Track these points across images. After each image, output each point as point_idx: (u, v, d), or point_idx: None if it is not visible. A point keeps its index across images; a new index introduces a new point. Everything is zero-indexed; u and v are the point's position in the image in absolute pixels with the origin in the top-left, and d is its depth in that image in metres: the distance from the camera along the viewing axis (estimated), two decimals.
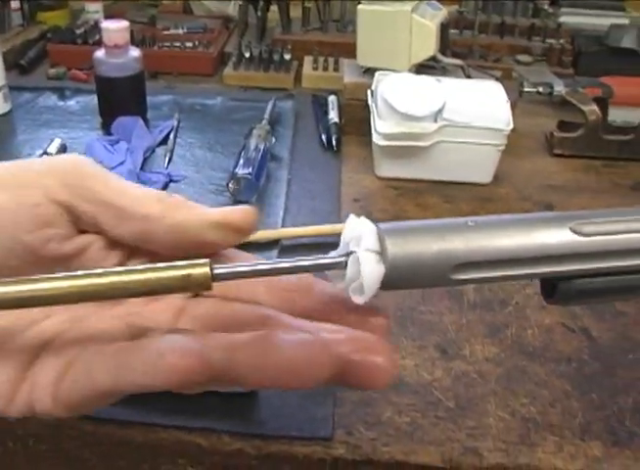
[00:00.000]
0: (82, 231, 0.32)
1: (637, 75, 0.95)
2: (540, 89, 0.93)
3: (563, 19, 1.17)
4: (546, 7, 1.19)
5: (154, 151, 0.78)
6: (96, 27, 1.05)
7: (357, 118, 0.81)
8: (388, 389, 0.46)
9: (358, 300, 0.27)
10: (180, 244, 0.30)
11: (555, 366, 0.50)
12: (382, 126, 0.71)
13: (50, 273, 0.27)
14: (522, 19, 1.16)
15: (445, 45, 0.87)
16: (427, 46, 0.80)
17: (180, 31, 1.12)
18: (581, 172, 0.80)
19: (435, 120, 0.71)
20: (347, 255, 0.27)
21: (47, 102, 0.91)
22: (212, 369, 0.25)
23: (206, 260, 0.27)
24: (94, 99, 0.86)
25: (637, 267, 0.27)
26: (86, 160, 0.32)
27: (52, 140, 0.76)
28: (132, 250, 0.32)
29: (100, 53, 0.81)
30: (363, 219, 0.28)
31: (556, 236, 0.26)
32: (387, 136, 0.71)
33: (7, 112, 0.87)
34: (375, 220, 0.28)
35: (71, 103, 0.91)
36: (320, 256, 0.28)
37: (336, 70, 1.01)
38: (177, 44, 1.06)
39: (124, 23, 0.80)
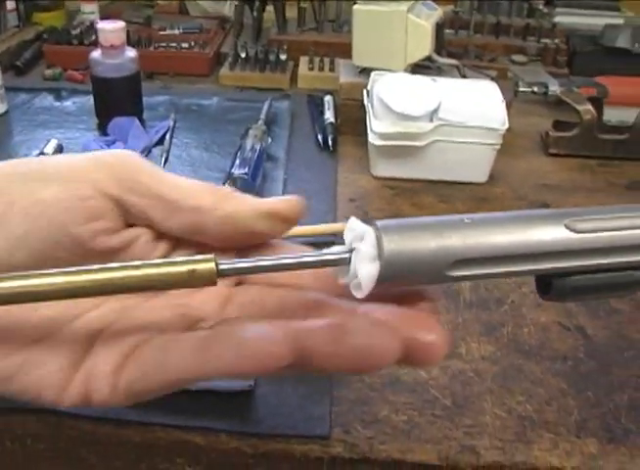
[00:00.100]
0: (130, 224, 0.32)
1: (632, 75, 0.95)
2: (535, 89, 0.94)
3: (558, 19, 1.18)
4: (541, 7, 1.19)
5: (150, 151, 0.78)
6: (92, 28, 1.05)
7: (353, 118, 0.82)
8: (385, 387, 0.46)
9: (358, 295, 0.27)
10: (230, 235, 0.31)
11: (551, 364, 0.50)
12: (377, 126, 0.71)
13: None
14: (517, 19, 1.16)
15: (441, 45, 0.88)
16: (422, 46, 0.80)
17: (176, 32, 1.12)
18: (576, 172, 0.80)
19: (431, 120, 0.71)
20: (350, 251, 0.27)
21: (43, 103, 0.91)
22: (297, 356, 0.26)
23: (212, 256, 0.27)
24: (90, 99, 0.86)
25: (632, 264, 0.28)
26: (135, 154, 0.32)
27: (48, 141, 0.76)
28: (177, 241, 0.33)
29: (96, 53, 0.81)
30: (363, 220, 0.28)
31: (551, 233, 0.27)
32: (382, 136, 0.71)
33: (3, 113, 0.87)
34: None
35: (68, 103, 0.91)
36: (324, 251, 0.28)
37: (331, 70, 1.01)
38: (173, 44, 1.07)
39: (120, 24, 0.80)
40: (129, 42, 0.96)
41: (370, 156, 0.75)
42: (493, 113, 0.71)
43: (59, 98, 0.92)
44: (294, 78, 1.03)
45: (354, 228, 0.27)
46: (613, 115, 0.87)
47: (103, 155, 0.32)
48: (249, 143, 0.72)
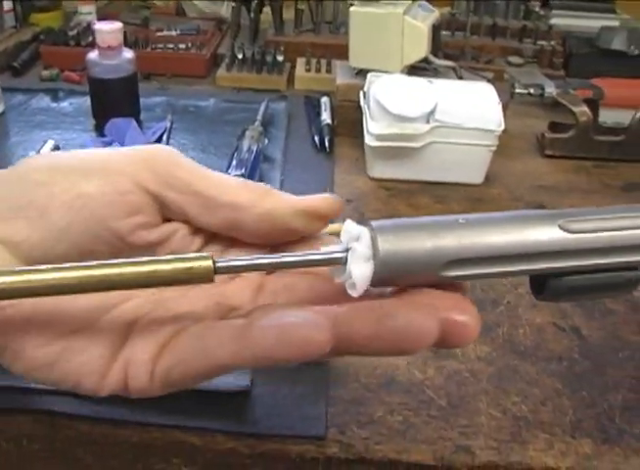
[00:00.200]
0: (167, 219, 0.33)
1: (627, 77, 0.96)
2: (531, 90, 0.94)
3: (554, 21, 1.18)
4: (537, 9, 1.20)
5: None
6: (89, 29, 1.05)
7: (350, 120, 0.82)
8: (381, 388, 0.47)
9: (353, 294, 0.27)
10: (267, 231, 0.31)
11: (546, 365, 0.50)
12: (374, 127, 0.71)
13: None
14: (513, 21, 1.17)
15: (437, 47, 0.88)
16: (419, 48, 0.80)
17: (173, 33, 1.12)
18: (572, 173, 0.81)
19: (427, 121, 0.71)
20: (346, 251, 0.27)
21: (40, 103, 0.91)
22: (338, 340, 0.26)
23: (209, 254, 0.27)
24: (87, 100, 0.86)
25: (626, 264, 0.28)
26: (174, 150, 0.32)
27: (45, 142, 0.76)
28: (212, 236, 0.33)
29: (93, 54, 0.81)
30: (359, 222, 0.28)
31: (545, 233, 0.27)
32: (379, 137, 0.71)
33: (0, 113, 0.87)
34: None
35: (65, 104, 0.91)
36: (321, 251, 0.28)
37: (328, 71, 1.02)
38: (170, 46, 1.07)
39: (117, 25, 0.81)
40: (126, 43, 0.96)
41: (366, 157, 0.76)
42: (489, 114, 0.72)
43: (56, 99, 0.92)
44: (290, 80, 1.03)
45: (350, 230, 0.28)
46: (608, 116, 0.87)
47: (142, 149, 0.32)
48: (245, 144, 0.73)
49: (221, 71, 1.02)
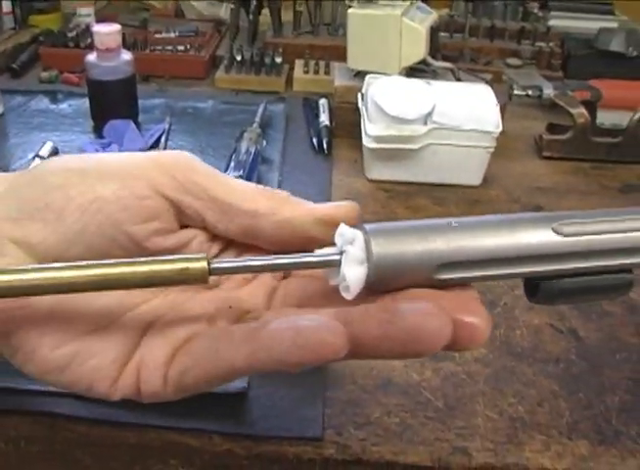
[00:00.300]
0: (185, 225, 0.33)
1: (626, 78, 0.96)
2: (530, 92, 0.94)
3: (552, 22, 1.18)
4: (536, 10, 1.20)
5: None
6: (88, 31, 1.05)
7: (348, 121, 0.82)
8: (377, 389, 0.47)
9: (347, 296, 0.27)
10: (285, 239, 0.31)
11: (543, 366, 0.50)
12: (372, 129, 0.71)
13: None
14: (511, 22, 1.16)
15: (436, 48, 0.88)
16: (417, 49, 0.80)
17: (172, 35, 1.12)
18: (570, 175, 0.81)
19: (425, 123, 0.72)
20: (340, 254, 0.28)
21: (39, 105, 0.91)
22: (351, 343, 0.25)
23: (203, 255, 0.27)
24: (86, 102, 0.86)
25: (619, 267, 0.28)
26: (192, 156, 0.32)
27: (44, 143, 0.76)
28: (230, 242, 0.33)
29: (91, 56, 0.81)
30: (352, 225, 0.28)
31: (538, 236, 0.27)
32: (377, 139, 0.71)
33: None
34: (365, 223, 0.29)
35: (64, 106, 0.91)
36: (315, 253, 0.28)
37: (327, 73, 1.02)
38: (169, 47, 1.07)
39: (116, 27, 0.81)
40: (125, 45, 0.97)
41: (364, 159, 0.76)
42: (487, 116, 0.72)
43: (55, 100, 0.92)
44: (289, 81, 1.03)
45: (344, 233, 0.28)
46: (606, 118, 0.87)
47: (160, 154, 0.32)
48: (243, 146, 0.73)
49: (220, 73, 1.02)
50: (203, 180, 0.31)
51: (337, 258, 0.27)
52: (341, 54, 0.87)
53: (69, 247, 0.30)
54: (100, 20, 1.13)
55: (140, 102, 0.87)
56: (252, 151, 0.72)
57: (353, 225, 0.28)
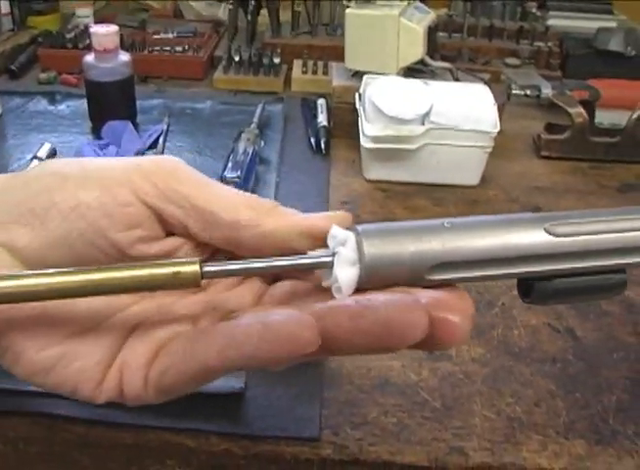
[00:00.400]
0: (171, 233, 0.32)
1: (624, 78, 0.96)
2: (528, 92, 0.94)
3: (551, 22, 1.18)
4: (534, 10, 1.20)
5: (143, 154, 0.78)
6: (86, 32, 1.05)
7: (346, 122, 0.82)
8: (375, 389, 0.47)
9: (339, 297, 0.27)
10: (267, 250, 0.31)
11: (540, 366, 0.50)
12: (369, 129, 0.71)
13: None
14: (510, 22, 1.16)
15: (434, 48, 0.88)
16: (414, 49, 0.80)
17: (170, 35, 1.12)
18: (568, 174, 0.81)
19: (423, 123, 0.72)
20: (332, 255, 0.28)
21: (37, 106, 0.91)
22: (324, 338, 0.25)
23: (196, 259, 0.27)
24: (84, 103, 0.86)
25: (612, 267, 0.28)
26: (178, 161, 0.32)
27: (42, 144, 0.76)
28: (217, 250, 0.33)
29: (89, 57, 0.81)
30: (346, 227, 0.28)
31: (530, 237, 0.27)
32: (374, 139, 0.71)
33: None
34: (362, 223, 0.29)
35: (62, 107, 0.91)
36: (308, 255, 0.28)
37: (325, 73, 1.02)
38: (167, 48, 1.07)
39: (113, 28, 0.81)
40: (123, 46, 0.97)
41: (362, 159, 0.76)
42: (485, 116, 0.72)
43: (53, 102, 0.92)
44: (287, 82, 1.03)
45: (336, 235, 0.28)
46: (605, 117, 0.88)
47: (144, 160, 0.32)
48: (241, 146, 0.73)
49: (218, 74, 1.02)
50: (184, 188, 0.31)
51: (329, 259, 0.27)
52: (339, 54, 0.87)
53: (53, 252, 0.30)
54: (98, 20, 1.14)
55: (138, 103, 0.87)
56: (250, 151, 0.72)
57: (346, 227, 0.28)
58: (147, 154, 0.78)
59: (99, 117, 0.83)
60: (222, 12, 1.23)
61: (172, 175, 0.31)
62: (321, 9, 1.10)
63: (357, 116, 0.76)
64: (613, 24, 1.17)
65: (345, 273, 0.26)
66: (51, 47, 1.06)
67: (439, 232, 0.27)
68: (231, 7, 1.11)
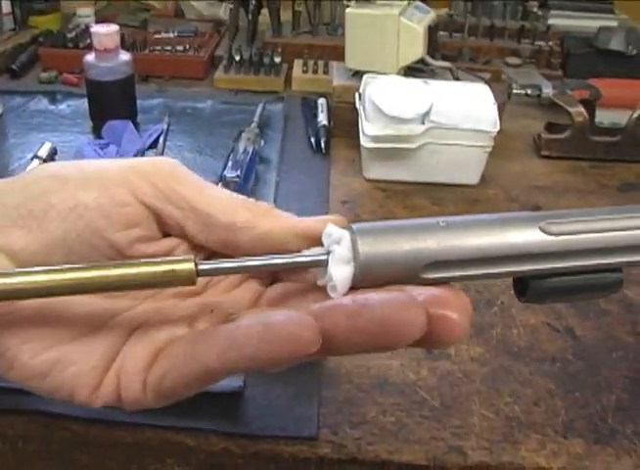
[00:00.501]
0: (168, 234, 0.32)
1: (625, 77, 0.96)
2: (529, 91, 0.94)
3: (552, 21, 1.18)
4: (535, 9, 1.19)
5: (143, 154, 0.78)
6: (87, 31, 1.05)
7: (346, 121, 0.82)
8: (373, 388, 0.47)
9: (334, 296, 0.27)
10: (263, 252, 0.31)
11: (539, 365, 0.50)
12: (369, 129, 0.71)
13: None
14: (511, 21, 1.16)
15: (434, 48, 0.88)
16: (414, 49, 0.80)
17: (171, 35, 1.12)
18: (568, 174, 0.81)
19: (423, 123, 0.72)
20: (327, 253, 0.28)
21: (38, 106, 0.91)
22: (322, 337, 0.25)
23: (191, 256, 0.27)
24: (85, 103, 0.86)
25: (608, 266, 0.28)
26: (177, 163, 0.32)
27: (42, 144, 0.76)
28: (213, 252, 0.33)
29: (90, 57, 0.82)
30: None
31: (526, 236, 0.27)
32: (374, 138, 0.71)
33: None
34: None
35: (63, 107, 0.91)
36: (302, 253, 0.28)
37: (326, 72, 1.02)
38: (168, 48, 1.07)
39: (114, 27, 0.81)
40: (124, 45, 0.97)
41: (362, 158, 0.76)
42: (485, 115, 0.72)
43: (54, 101, 0.92)
44: (288, 81, 1.03)
45: (331, 233, 0.28)
46: (606, 117, 0.87)
47: (142, 161, 0.32)
48: (241, 146, 0.73)
49: (219, 73, 1.02)
50: (183, 189, 0.31)
51: (324, 257, 0.27)
52: (339, 54, 0.87)
53: (52, 253, 0.30)
54: (100, 20, 1.14)
55: (139, 102, 0.87)
56: (250, 151, 0.72)
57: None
58: (147, 153, 0.79)
59: (99, 116, 0.83)
60: (223, 11, 1.23)
61: (171, 176, 0.31)
62: (322, 8, 1.10)
63: (357, 115, 0.76)
64: (614, 24, 1.17)
65: (340, 271, 0.27)
66: (52, 47, 1.06)
67: (434, 231, 0.27)
68: (232, 6, 1.11)
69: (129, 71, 0.83)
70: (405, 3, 0.81)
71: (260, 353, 0.25)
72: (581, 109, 0.80)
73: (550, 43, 1.11)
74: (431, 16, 0.84)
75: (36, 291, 0.26)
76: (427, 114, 0.71)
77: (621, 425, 0.45)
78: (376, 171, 0.75)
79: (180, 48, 1.07)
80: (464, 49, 1.09)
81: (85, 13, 1.17)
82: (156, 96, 0.95)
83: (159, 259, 0.27)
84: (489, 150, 0.73)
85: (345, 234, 0.27)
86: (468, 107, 0.72)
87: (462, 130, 0.71)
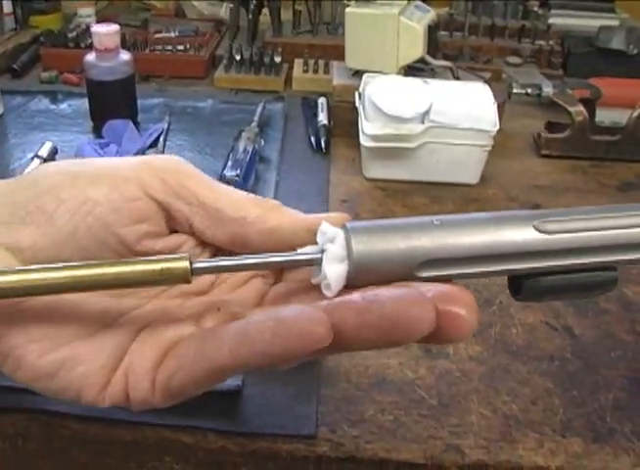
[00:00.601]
0: (174, 230, 0.33)
1: (626, 76, 0.96)
2: (529, 90, 0.94)
3: (552, 20, 1.18)
4: (536, 9, 1.19)
5: (144, 154, 0.78)
6: (88, 31, 1.05)
7: (346, 120, 0.82)
8: (372, 387, 0.47)
9: (328, 294, 0.27)
10: (272, 248, 0.31)
11: (538, 364, 0.50)
12: (369, 128, 0.71)
13: None
14: (512, 20, 1.16)
15: (435, 47, 0.88)
16: (414, 48, 0.80)
17: (172, 35, 1.12)
18: (568, 173, 0.81)
19: (422, 122, 0.72)
20: (321, 252, 0.28)
21: (39, 105, 0.91)
22: (333, 334, 0.25)
23: (186, 255, 0.27)
24: (86, 102, 0.86)
25: (603, 264, 0.28)
26: (184, 161, 0.33)
27: (43, 143, 0.76)
28: (218, 250, 0.33)
29: (90, 56, 0.82)
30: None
31: (520, 234, 0.27)
32: (374, 138, 0.72)
33: None
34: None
35: (63, 106, 0.92)
36: (297, 252, 0.29)
37: (326, 72, 1.02)
38: (169, 47, 1.07)
39: (114, 27, 0.81)
40: (125, 45, 0.97)
41: (362, 157, 0.76)
42: (484, 114, 0.72)
43: (54, 101, 0.93)
44: (288, 81, 1.03)
45: (325, 232, 0.28)
46: (606, 116, 0.87)
47: (152, 158, 0.33)
48: (241, 145, 0.73)
49: (219, 73, 1.03)
50: (193, 185, 0.31)
51: (318, 256, 0.28)
52: (340, 53, 0.87)
53: (60, 249, 0.30)
54: (101, 20, 1.14)
55: (139, 101, 0.87)
56: (250, 150, 0.72)
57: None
58: (147, 153, 0.79)
59: (100, 116, 0.83)
60: (224, 11, 1.23)
61: (180, 172, 0.32)
62: (322, 8, 1.10)
63: (357, 114, 0.76)
64: (615, 23, 1.17)
65: (334, 270, 0.27)
66: (53, 46, 1.06)
67: (429, 229, 0.27)
68: (232, 6, 1.11)
69: (130, 71, 0.83)
70: (405, 2, 0.81)
71: (273, 349, 0.25)
72: (581, 108, 0.80)
73: (551, 42, 1.11)
74: (430, 15, 0.84)
75: (34, 289, 0.26)
76: (426, 113, 0.71)
77: (619, 424, 0.45)
78: (376, 171, 0.75)
79: (181, 48, 1.07)
80: (464, 48, 1.09)
81: (86, 13, 1.17)
82: (156, 95, 0.95)
83: (153, 258, 0.27)
84: (489, 149, 0.73)
85: (339, 232, 0.27)
86: (467, 106, 0.72)
87: (461, 130, 0.71)
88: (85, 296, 0.29)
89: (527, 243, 0.27)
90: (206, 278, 0.33)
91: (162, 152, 0.79)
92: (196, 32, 1.13)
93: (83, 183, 0.31)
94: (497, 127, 0.71)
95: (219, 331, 0.28)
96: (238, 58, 1.03)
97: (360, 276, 0.27)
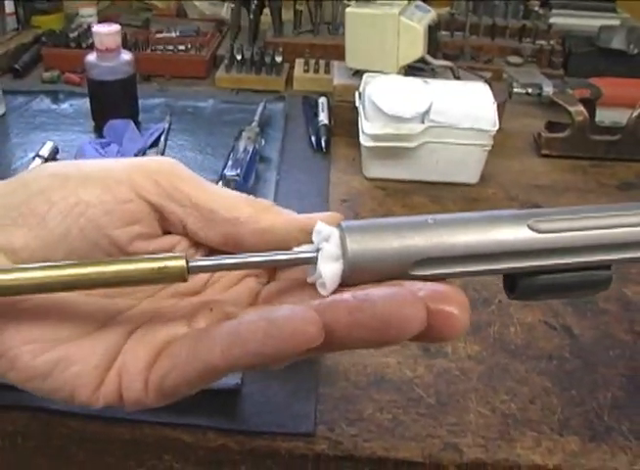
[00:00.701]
0: (167, 232, 0.33)
1: (627, 76, 0.96)
2: (529, 90, 0.94)
3: (553, 20, 1.18)
4: (537, 8, 1.19)
5: (145, 153, 0.79)
6: (89, 31, 1.05)
7: (346, 120, 0.82)
8: (370, 386, 0.47)
9: (323, 293, 0.28)
10: (265, 247, 0.31)
11: (536, 363, 0.50)
12: (369, 128, 0.72)
13: None
14: (512, 20, 1.16)
15: (435, 47, 0.88)
16: (414, 48, 0.80)
17: (173, 35, 1.12)
18: (568, 172, 0.81)
19: (422, 122, 0.72)
20: (317, 251, 0.28)
21: (40, 105, 0.92)
22: (325, 333, 0.25)
23: (182, 254, 0.28)
24: (87, 102, 0.86)
25: (597, 263, 0.28)
26: (177, 162, 0.33)
27: (44, 143, 0.77)
28: (211, 251, 0.33)
29: (91, 56, 0.82)
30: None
31: (513, 233, 0.27)
32: (374, 137, 0.72)
33: (1, 115, 0.88)
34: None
35: (65, 106, 0.92)
36: (293, 251, 0.29)
37: (327, 72, 1.02)
38: (170, 47, 1.07)
39: (115, 27, 0.81)
40: (126, 45, 0.98)
41: (362, 157, 0.76)
42: (484, 114, 0.72)
43: (56, 101, 0.93)
44: (289, 80, 1.03)
45: (320, 231, 0.28)
46: (607, 116, 0.87)
47: (145, 160, 0.33)
48: (241, 145, 0.73)
49: (220, 73, 1.03)
50: (186, 187, 0.32)
51: (313, 255, 0.28)
52: (341, 53, 0.87)
53: (52, 251, 0.30)
54: (102, 20, 1.14)
55: (140, 101, 0.88)
56: (250, 150, 0.72)
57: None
58: (148, 152, 0.79)
59: (101, 115, 0.84)
60: (225, 11, 1.24)
61: (173, 174, 0.32)
62: (323, 8, 1.11)
63: (357, 114, 0.76)
64: (615, 23, 1.16)
65: (329, 269, 0.27)
66: (54, 46, 1.07)
67: (423, 228, 0.27)
68: (234, 6, 1.11)
69: (131, 71, 0.83)
70: (405, 2, 0.81)
71: (265, 349, 0.25)
72: (581, 108, 0.80)
73: (551, 42, 1.11)
74: (431, 15, 0.84)
75: (31, 287, 0.26)
76: (426, 113, 0.71)
77: (617, 422, 0.45)
78: (376, 170, 0.75)
79: (182, 48, 1.08)
80: (465, 48, 1.09)
81: (88, 13, 1.17)
82: (157, 95, 0.95)
83: (150, 257, 0.27)
84: (489, 149, 0.73)
85: (334, 232, 0.28)
86: (467, 106, 0.72)
87: (461, 129, 0.71)
88: (79, 296, 0.29)
89: (521, 242, 0.27)
90: (200, 278, 0.33)
91: (163, 152, 0.79)
92: (197, 32, 1.14)
93: (74, 185, 0.31)
94: (497, 127, 0.71)
95: (212, 331, 0.28)
96: (239, 58, 1.03)
97: (355, 275, 0.27)
